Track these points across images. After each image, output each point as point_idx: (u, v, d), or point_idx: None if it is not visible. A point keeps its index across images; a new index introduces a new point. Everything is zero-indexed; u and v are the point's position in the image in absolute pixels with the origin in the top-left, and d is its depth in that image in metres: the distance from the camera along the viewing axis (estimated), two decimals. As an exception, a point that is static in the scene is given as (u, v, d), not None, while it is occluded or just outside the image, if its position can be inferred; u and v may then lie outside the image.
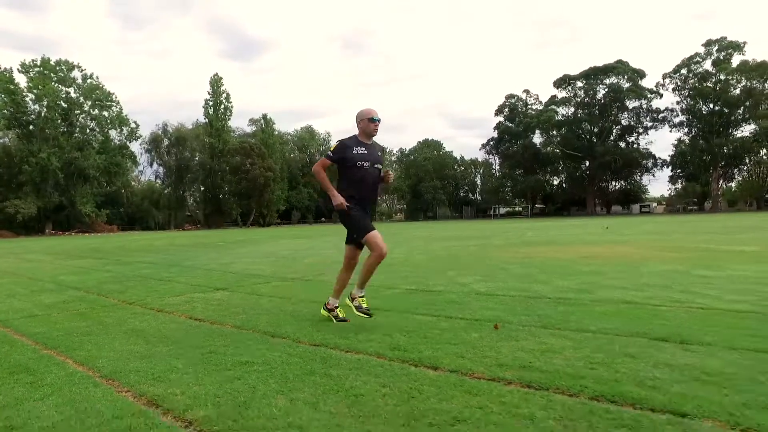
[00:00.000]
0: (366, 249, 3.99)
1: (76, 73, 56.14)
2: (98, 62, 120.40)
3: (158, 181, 75.15)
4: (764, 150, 70.07)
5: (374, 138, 4.08)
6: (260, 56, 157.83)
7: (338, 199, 3.83)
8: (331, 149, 3.95)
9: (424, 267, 8.09)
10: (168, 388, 2.61)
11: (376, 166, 3.97)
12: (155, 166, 73.07)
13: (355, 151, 3.87)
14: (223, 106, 73.45)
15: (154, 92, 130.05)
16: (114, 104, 58.58)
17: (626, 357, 2.83)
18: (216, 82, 73.01)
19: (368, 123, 3.94)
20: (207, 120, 72.14)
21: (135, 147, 69.33)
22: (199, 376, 2.80)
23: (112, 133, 59.65)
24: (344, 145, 3.90)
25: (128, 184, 71.56)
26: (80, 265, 11.22)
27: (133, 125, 61.00)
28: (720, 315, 3.87)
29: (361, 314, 3.93)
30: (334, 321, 4.05)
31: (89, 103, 56.56)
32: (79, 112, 56.02)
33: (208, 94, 72.67)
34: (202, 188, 74.23)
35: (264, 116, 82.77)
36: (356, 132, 4.03)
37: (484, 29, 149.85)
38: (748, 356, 2.80)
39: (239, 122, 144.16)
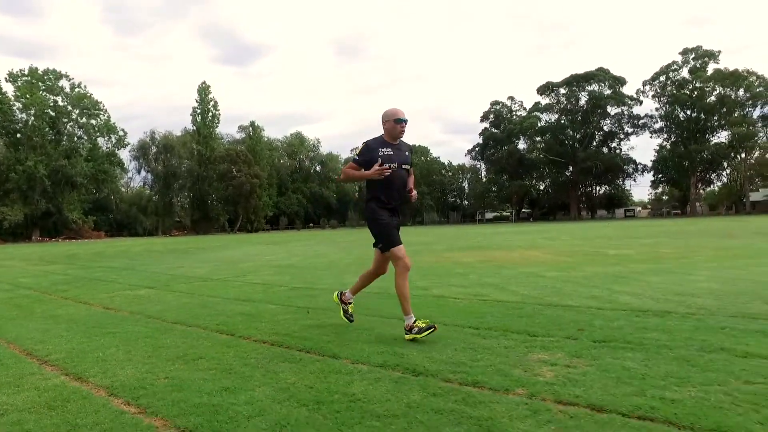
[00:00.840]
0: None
1: (63, 82, 57.46)
2: (94, 68, 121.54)
3: (147, 187, 76.30)
4: (741, 156, 71.99)
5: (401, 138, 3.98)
6: (257, 61, 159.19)
7: (372, 170, 3.73)
8: (357, 153, 3.87)
9: (332, 268, 9.39)
10: (45, 345, 3.90)
11: (403, 167, 3.89)
12: (143, 173, 74.26)
13: (381, 153, 3.78)
14: (210, 114, 74.85)
15: (151, 97, 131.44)
16: (102, 113, 59.87)
17: (350, 328, 4.13)
18: (204, 90, 74.37)
19: (394, 125, 3.83)
20: (195, 127, 73.52)
21: (125, 154, 70.46)
22: (71, 339, 4.10)
23: (100, 140, 60.91)
24: (369, 146, 3.82)
25: (117, 191, 72.66)
26: (46, 270, 12.46)
27: (121, 133, 62.33)
28: (483, 304, 5.20)
29: (346, 318, 4.16)
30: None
31: (77, 111, 57.79)
32: (66, 120, 57.26)
33: (196, 102, 74.09)
34: (190, 195, 75.48)
35: (252, 123, 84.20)
36: (376, 133, 3.96)
37: (480, 35, 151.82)
38: (446, 329, 4.10)
39: (234, 128, 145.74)
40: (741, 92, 67.30)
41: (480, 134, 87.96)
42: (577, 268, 7.95)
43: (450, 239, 20.96)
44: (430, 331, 3.57)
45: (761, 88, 66.07)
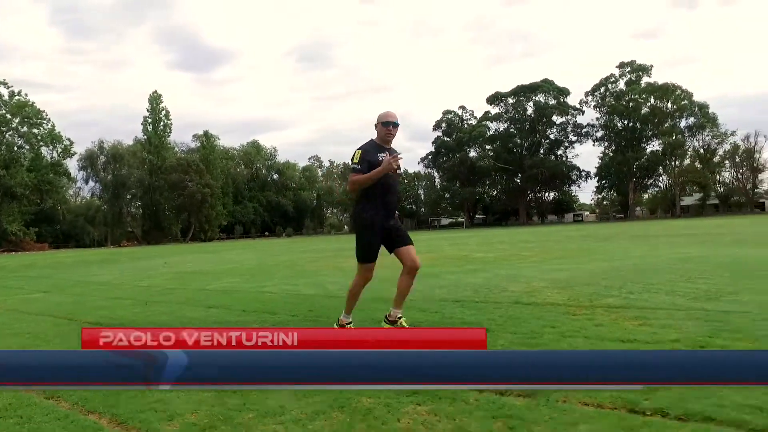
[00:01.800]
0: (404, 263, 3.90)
1: (2, 90, 56.21)
2: (42, 72, 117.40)
3: (95, 197, 75.04)
4: (673, 163, 76.89)
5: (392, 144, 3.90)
6: (218, 67, 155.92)
7: (384, 163, 3.59)
8: (356, 161, 3.70)
9: (228, 273, 10.68)
10: None
11: (398, 172, 3.84)
12: (92, 183, 73.04)
13: (379, 158, 3.67)
14: (162, 124, 74.51)
15: (107, 103, 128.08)
16: (45, 121, 58.86)
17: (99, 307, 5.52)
18: (155, 99, 73.93)
19: (382, 127, 3.76)
20: (146, 137, 73.02)
21: (73, 164, 69.16)
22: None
23: (44, 150, 59.83)
24: (366, 151, 3.72)
25: (64, 201, 71.16)
26: (-36, 280, 13.22)
27: (66, 142, 61.35)
28: (269, 295, 6.64)
29: None
30: None
31: (17, 120, 56.64)
32: (5, 129, 56.01)
33: (147, 111, 73.57)
34: (141, 204, 74.80)
35: (205, 132, 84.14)
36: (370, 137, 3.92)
37: (442, 45, 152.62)
38: (175, 307, 5.51)
39: (194, 135, 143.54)
40: (669, 104, 72.29)
41: (433, 142, 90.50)
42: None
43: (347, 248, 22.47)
44: None
45: (686, 101, 71.27)
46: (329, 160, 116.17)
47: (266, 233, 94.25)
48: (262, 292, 7.04)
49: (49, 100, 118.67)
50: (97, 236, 69.35)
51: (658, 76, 76.31)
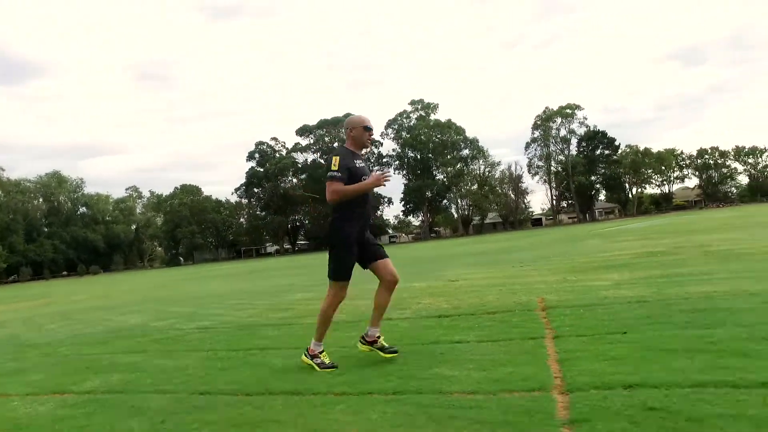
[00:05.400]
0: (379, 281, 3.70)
1: None
2: None
3: None
4: (461, 188, 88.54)
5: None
6: (36, 80, 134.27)
7: (373, 178, 3.49)
8: (335, 167, 3.44)
9: None
10: None
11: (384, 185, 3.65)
12: None
13: (357, 164, 3.53)
14: None
15: None
16: None
17: None
18: None
19: (363, 131, 3.62)
20: None
21: None
22: None
23: None
24: (344, 158, 3.49)
25: None
26: None
27: None
28: None
29: (388, 354, 3.56)
30: (318, 369, 3.47)
31: None
32: None
33: None
34: None
35: (-20, 166, 76.06)
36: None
37: (297, 69, 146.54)
38: None
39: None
40: (446, 138, 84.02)
41: (246, 173, 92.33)
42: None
43: (123, 284, 23.68)
44: (330, 369, 3.43)
45: (460, 136, 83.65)
46: (149, 191, 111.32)
47: (64, 273, 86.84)
48: None
49: None
50: None
51: (499, 107, 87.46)
